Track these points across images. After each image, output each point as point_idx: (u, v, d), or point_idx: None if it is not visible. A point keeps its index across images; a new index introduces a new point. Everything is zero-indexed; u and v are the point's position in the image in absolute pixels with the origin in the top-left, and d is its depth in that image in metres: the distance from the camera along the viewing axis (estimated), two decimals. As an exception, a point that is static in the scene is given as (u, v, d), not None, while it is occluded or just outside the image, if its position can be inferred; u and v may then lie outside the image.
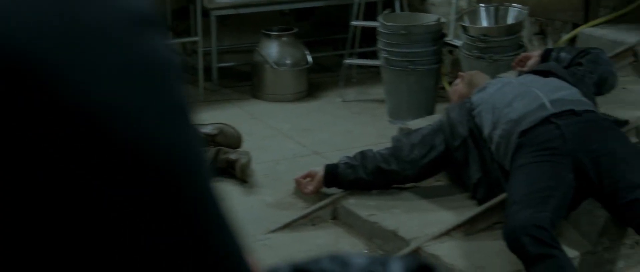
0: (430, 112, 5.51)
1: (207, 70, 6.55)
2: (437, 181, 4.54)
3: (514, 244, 3.50)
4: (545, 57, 4.70)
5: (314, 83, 6.66)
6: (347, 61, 6.40)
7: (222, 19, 6.74)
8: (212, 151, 4.98)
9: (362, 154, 4.41)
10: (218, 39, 6.63)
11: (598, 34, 5.30)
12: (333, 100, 6.40)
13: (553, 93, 4.10)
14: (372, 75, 6.76)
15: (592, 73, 4.45)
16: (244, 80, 6.67)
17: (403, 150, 4.35)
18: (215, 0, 6.32)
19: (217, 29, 6.49)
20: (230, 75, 6.86)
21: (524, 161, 3.85)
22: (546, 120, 3.95)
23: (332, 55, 7.16)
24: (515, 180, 3.79)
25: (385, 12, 6.00)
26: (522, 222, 3.48)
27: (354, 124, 5.89)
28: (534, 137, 3.91)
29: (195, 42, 6.56)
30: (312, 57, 6.54)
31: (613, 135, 3.93)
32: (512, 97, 4.13)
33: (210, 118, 5.56)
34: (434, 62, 5.66)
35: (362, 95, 6.51)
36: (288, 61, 6.35)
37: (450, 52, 6.37)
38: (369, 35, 6.66)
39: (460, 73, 4.80)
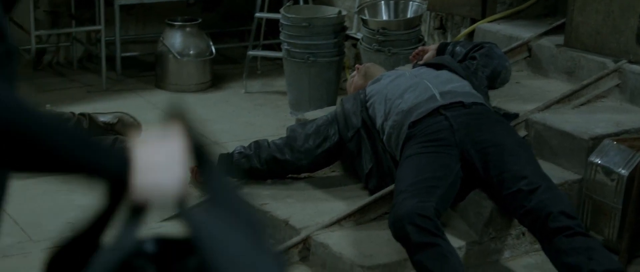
0: (331, 104, 5.55)
1: (111, 59, 6.50)
2: (332, 171, 4.58)
3: (399, 233, 3.55)
4: (441, 50, 4.77)
5: (219, 74, 6.67)
6: (251, 52, 6.42)
7: (126, 9, 6.70)
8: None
9: (257, 144, 4.43)
10: (122, 28, 6.59)
11: (495, 29, 5.40)
12: (237, 91, 6.41)
13: (443, 85, 4.17)
14: (276, 68, 6.81)
15: (485, 67, 4.53)
16: (148, 71, 6.64)
17: (297, 140, 4.38)
18: (119, -11, 6.27)
19: (121, 18, 6.45)
20: (135, 65, 6.82)
21: (413, 151, 3.91)
22: (435, 112, 4.02)
23: (237, 47, 7.18)
24: (403, 170, 3.85)
25: (288, 4, 6.02)
26: (407, 211, 3.53)
27: (256, 116, 5.92)
28: (424, 128, 3.98)
29: (98, 31, 6.51)
30: (218, 49, 6.55)
31: (500, 128, 4.00)
32: (404, 88, 4.19)
33: (111, 107, 5.54)
34: (335, 54, 5.71)
35: (266, 87, 6.53)
36: (191, 52, 6.35)
37: (354, 45, 6.43)
38: (275, 28, 6.68)
39: (357, 65, 4.85)
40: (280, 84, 6.44)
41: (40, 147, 1.47)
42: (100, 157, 1.52)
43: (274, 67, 6.88)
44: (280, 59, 6.78)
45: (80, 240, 1.56)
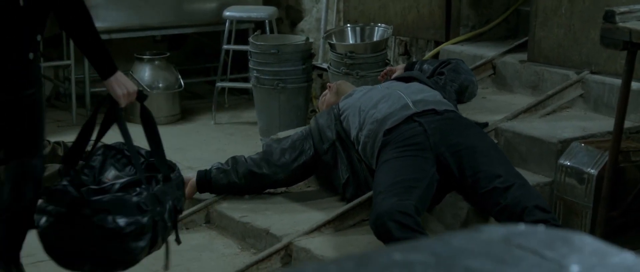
0: (301, 129, 5.66)
1: (80, 97, 6.57)
2: (308, 186, 4.67)
3: (380, 230, 3.64)
4: (408, 69, 4.91)
5: (187, 108, 6.76)
6: (219, 84, 6.52)
7: (94, 46, 6.77)
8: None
9: (234, 159, 4.51)
10: (91, 68, 6.65)
11: (459, 50, 5.55)
12: (206, 123, 6.50)
13: (415, 95, 4.30)
14: (243, 102, 6.92)
15: (453, 81, 4.68)
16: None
17: (274, 154, 4.47)
18: (87, 24, 6.35)
19: (89, 55, 6.51)
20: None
21: (389, 156, 4.02)
22: (409, 119, 4.13)
23: (204, 83, 7.28)
24: (381, 173, 3.95)
25: (256, 33, 6.14)
26: (387, 209, 3.63)
27: (227, 143, 6.01)
28: (399, 134, 4.09)
29: (67, 68, 6.58)
30: (185, 85, 6.64)
31: (473, 131, 4.13)
32: (377, 99, 4.31)
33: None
34: (304, 80, 5.82)
35: (235, 118, 6.63)
36: (161, 84, 6.44)
37: (320, 75, 6.56)
38: (240, 63, 6.80)
39: (329, 83, 4.96)
40: (249, 115, 6.55)
41: None
42: None
43: (241, 101, 6.99)
44: (246, 93, 6.91)
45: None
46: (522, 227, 1.35)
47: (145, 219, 3.34)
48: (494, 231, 1.34)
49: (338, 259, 1.28)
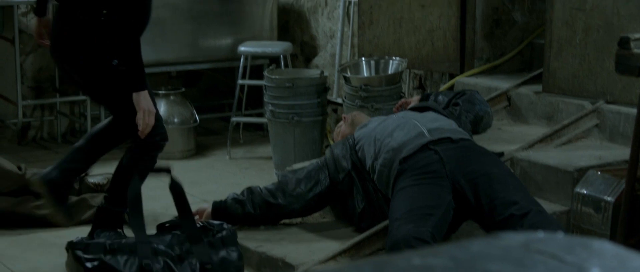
0: (316, 164, 5.66)
1: (95, 132, 6.59)
2: (323, 217, 4.66)
3: (397, 257, 3.62)
4: (423, 100, 4.91)
5: (202, 144, 6.78)
6: (234, 119, 6.54)
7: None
8: (100, 198, 5.02)
9: (250, 190, 4.51)
10: (106, 102, 6.69)
11: (473, 82, 5.56)
12: (221, 158, 6.51)
13: (431, 123, 4.30)
14: (258, 137, 6.95)
15: (468, 112, 4.68)
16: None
17: (289, 184, 4.47)
18: (103, 60, 6.39)
19: (105, 91, 6.56)
20: (119, 137, 6.89)
21: (405, 183, 4.02)
22: (425, 147, 4.13)
23: (219, 119, 7.30)
24: (397, 200, 3.95)
25: (271, 67, 6.17)
26: (403, 235, 3.62)
27: (242, 177, 6.01)
28: (414, 162, 4.08)
29: (84, 104, 6.61)
30: (200, 121, 6.66)
31: (488, 159, 4.12)
32: (392, 128, 4.31)
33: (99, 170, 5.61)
34: (319, 114, 5.83)
35: (249, 153, 6.64)
36: (176, 120, 6.46)
37: (334, 110, 6.57)
38: (255, 99, 6.83)
39: (344, 115, 4.97)
40: (263, 151, 6.57)
41: None
42: None
43: (255, 137, 7.01)
44: (261, 128, 6.93)
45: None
46: (541, 233, 1.34)
47: None
48: (513, 237, 1.34)
49: (356, 263, 1.28)
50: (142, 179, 4.35)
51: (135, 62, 4.24)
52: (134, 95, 4.24)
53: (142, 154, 4.54)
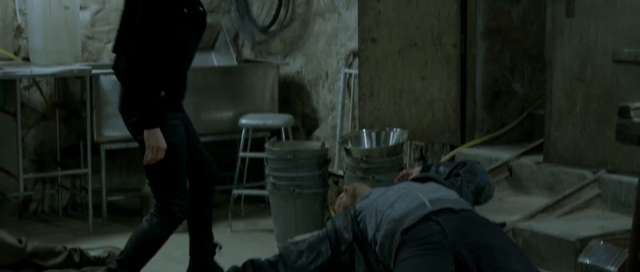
0: (318, 236, 5.64)
1: (96, 207, 6.59)
2: (325, 289, 4.63)
3: (399, 328, 3.59)
4: (425, 171, 4.91)
5: (203, 217, 6.76)
6: (236, 191, 6.54)
7: (111, 157, 6.83)
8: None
9: (252, 262, 4.49)
10: (107, 177, 6.71)
11: (474, 152, 5.57)
12: (222, 230, 6.49)
13: (432, 193, 4.29)
14: (259, 210, 6.95)
15: (470, 182, 4.67)
16: (134, 216, 6.72)
17: (291, 256, 4.45)
18: (105, 134, 6.42)
19: (106, 166, 6.57)
20: (120, 212, 6.90)
21: (407, 254, 3.99)
22: (427, 218, 4.11)
23: (220, 192, 7.29)
24: (400, 271, 3.92)
25: (272, 139, 6.19)
26: (406, 307, 3.59)
27: (244, 250, 5.99)
28: (416, 233, 4.06)
29: (85, 177, 6.61)
30: (201, 194, 6.65)
31: (490, 229, 4.10)
32: (393, 199, 4.30)
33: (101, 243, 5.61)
34: (320, 186, 5.83)
35: (250, 226, 6.63)
36: (177, 192, 6.43)
37: (336, 182, 6.57)
38: (256, 172, 6.84)
39: (345, 186, 4.97)
40: (265, 223, 6.56)
41: None
42: None
43: (257, 210, 7.01)
44: (262, 201, 6.93)
45: None
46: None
47: None
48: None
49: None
50: (156, 248, 4.62)
51: (145, 102, 4.37)
52: (145, 132, 4.40)
53: (159, 220, 4.64)
